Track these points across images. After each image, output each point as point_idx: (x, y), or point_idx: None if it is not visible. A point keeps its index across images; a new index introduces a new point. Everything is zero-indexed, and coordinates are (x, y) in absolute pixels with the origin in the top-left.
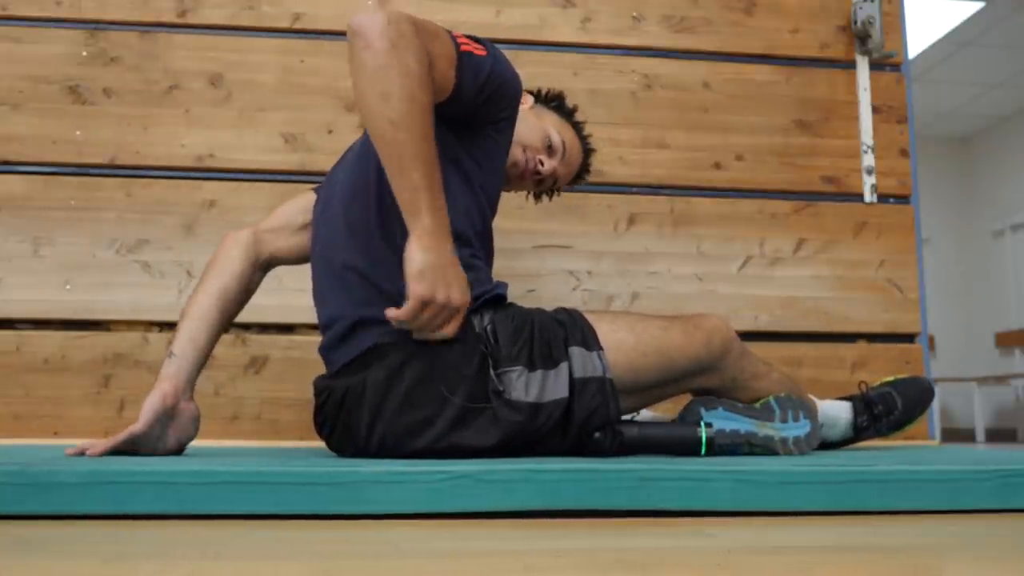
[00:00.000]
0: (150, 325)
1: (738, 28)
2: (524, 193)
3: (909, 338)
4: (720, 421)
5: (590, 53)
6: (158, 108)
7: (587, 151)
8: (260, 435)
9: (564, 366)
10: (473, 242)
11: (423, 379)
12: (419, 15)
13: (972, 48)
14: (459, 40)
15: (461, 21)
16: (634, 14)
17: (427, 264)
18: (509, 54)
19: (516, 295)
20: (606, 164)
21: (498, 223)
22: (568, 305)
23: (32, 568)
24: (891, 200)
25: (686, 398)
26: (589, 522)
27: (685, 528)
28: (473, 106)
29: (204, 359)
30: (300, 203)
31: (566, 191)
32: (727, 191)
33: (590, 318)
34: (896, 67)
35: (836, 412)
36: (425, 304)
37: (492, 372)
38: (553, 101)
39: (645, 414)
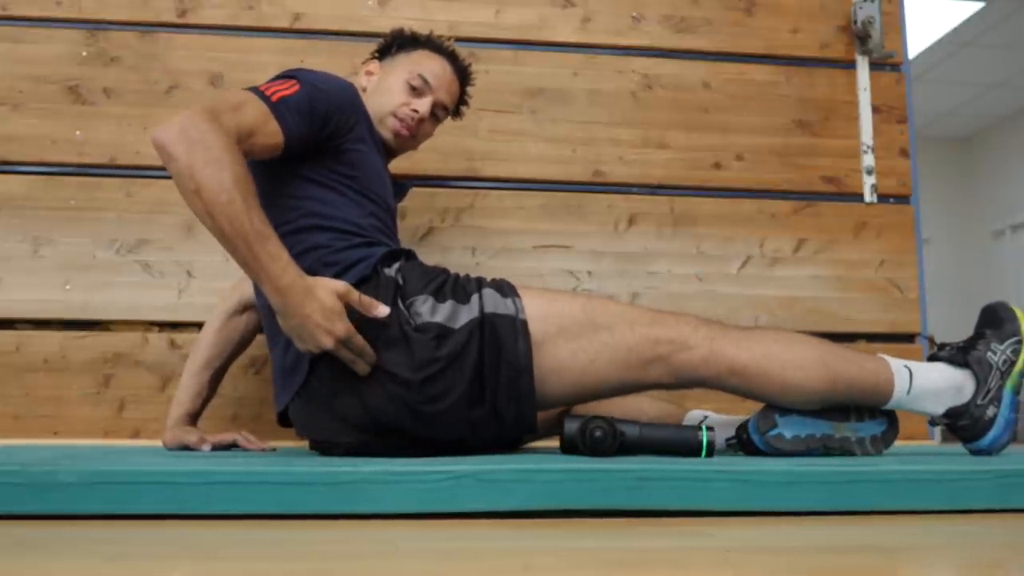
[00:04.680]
0: (150, 325)
1: (738, 28)
2: (521, 192)
3: (909, 338)
4: (794, 427)
5: (590, 53)
6: (158, 108)
7: (452, 59)
8: (260, 435)
9: (475, 301)
10: (347, 227)
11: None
12: (420, 16)
13: (972, 48)
14: (268, 91)
15: (461, 21)
16: (634, 14)
17: (289, 329)
18: (509, 54)
19: None
20: (606, 164)
21: (498, 223)
22: None
23: (32, 568)
24: (891, 200)
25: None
26: (589, 522)
27: (684, 528)
28: (321, 133)
29: (201, 403)
30: None
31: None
32: (727, 191)
33: (518, 285)
34: (896, 67)
35: (945, 382)
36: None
37: (401, 304)
38: (392, 46)
39: (715, 418)
